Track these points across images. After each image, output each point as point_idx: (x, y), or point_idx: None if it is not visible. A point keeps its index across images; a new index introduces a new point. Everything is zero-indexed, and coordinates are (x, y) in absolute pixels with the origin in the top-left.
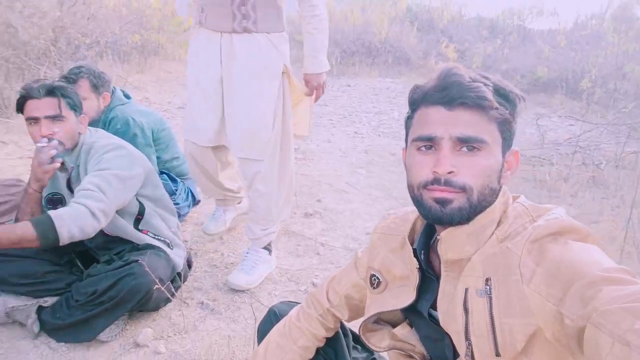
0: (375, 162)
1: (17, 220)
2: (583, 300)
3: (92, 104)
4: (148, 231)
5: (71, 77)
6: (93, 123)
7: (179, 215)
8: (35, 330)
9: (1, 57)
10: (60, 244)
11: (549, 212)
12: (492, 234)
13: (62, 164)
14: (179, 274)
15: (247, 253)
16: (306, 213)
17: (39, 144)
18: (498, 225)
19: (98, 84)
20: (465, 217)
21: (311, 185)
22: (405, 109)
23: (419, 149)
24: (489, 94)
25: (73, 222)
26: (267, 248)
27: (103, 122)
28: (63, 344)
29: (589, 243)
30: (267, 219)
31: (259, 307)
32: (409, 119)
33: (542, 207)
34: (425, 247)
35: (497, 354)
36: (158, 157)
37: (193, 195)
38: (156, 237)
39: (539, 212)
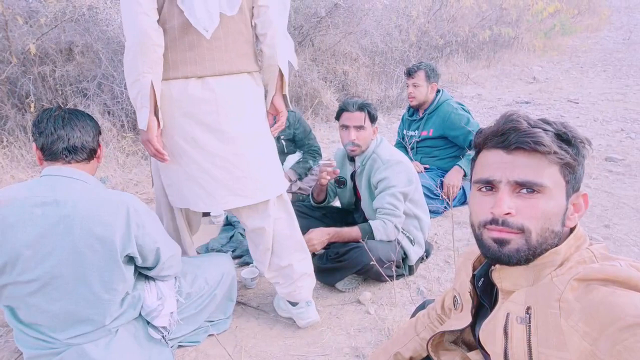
0: None
1: (314, 195)
2: (616, 340)
3: (423, 90)
4: None
5: (413, 69)
6: (425, 104)
7: (437, 212)
8: None
9: (364, 64)
10: (375, 239)
11: (613, 261)
12: (549, 274)
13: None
14: (410, 266)
15: None
16: None
17: (321, 162)
18: (559, 267)
19: (430, 75)
20: (523, 258)
21: (608, 207)
22: None
23: (479, 189)
24: (547, 140)
25: (384, 231)
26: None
27: (435, 108)
28: (319, 283)
29: None
30: None
31: None
32: (472, 161)
33: (614, 257)
34: (485, 275)
35: None
36: None
37: (465, 195)
38: (404, 231)
39: (607, 261)
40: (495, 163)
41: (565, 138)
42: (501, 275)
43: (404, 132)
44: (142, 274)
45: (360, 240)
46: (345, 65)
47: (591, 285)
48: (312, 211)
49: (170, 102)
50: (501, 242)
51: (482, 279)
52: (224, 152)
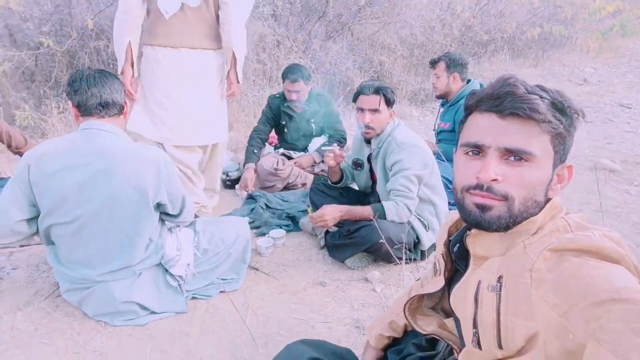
0: None
1: (329, 176)
2: (589, 317)
3: (443, 80)
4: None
5: (434, 59)
6: (450, 94)
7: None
8: (321, 244)
9: (402, 55)
10: (387, 219)
11: (587, 231)
12: (522, 242)
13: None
14: (422, 251)
15: None
16: None
17: (326, 148)
18: (532, 235)
19: (450, 65)
20: (503, 225)
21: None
22: None
23: (466, 153)
24: (543, 107)
25: (395, 212)
26: None
27: (455, 101)
28: (330, 259)
29: (620, 266)
30: None
31: None
32: (461, 123)
33: (588, 226)
34: (461, 240)
35: (500, 347)
36: None
37: None
38: (418, 216)
39: (581, 230)
40: (486, 127)
41: (560, 107)
42: (475, 241)
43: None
44: (165, 225)
45: (371, 219)
46: (382, 55)
47: (564, 256)
48: (329, 190)
49: (154, 61)
50: (483, 208)
51: (458, 244)
52: (189, 105)
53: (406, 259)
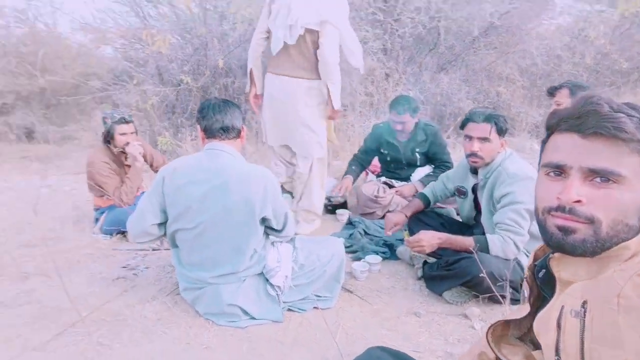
0: None
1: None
2: None
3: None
4: None
5: (555, 87)
6: None
7: None
8: (419, 275)
9: (522, 86)
10: (490, 253)
11: None
12: (613, 269)
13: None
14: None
15: None
16: None
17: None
18: (624, 262)
19: (575, 92)
20: (589, 250)
21: None
22: None
23: (547, 174)
24: (630, 126)
25: (500, 247)
26: None
27: None
28: (427, 291)
29: None
30: None
31: None
32: (543, 143)
33: None
34: (546, 265)
35: None
36: None
37: None
38: (527, 253)
39: None
40: (568, 147)
41: None
42: (560, 265)
43: None
44: (269, 239)
45: (472, 250)
46: (499, 86)
47: None
48: (429, 219)
49: (266, 84)
50: (566, 231)
51: (544, 270)
52: (286, 118)
53: (511, 299)
